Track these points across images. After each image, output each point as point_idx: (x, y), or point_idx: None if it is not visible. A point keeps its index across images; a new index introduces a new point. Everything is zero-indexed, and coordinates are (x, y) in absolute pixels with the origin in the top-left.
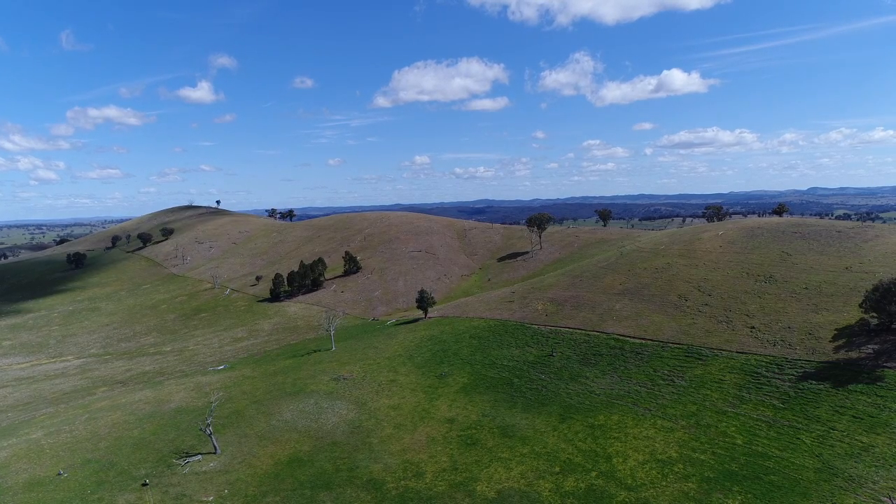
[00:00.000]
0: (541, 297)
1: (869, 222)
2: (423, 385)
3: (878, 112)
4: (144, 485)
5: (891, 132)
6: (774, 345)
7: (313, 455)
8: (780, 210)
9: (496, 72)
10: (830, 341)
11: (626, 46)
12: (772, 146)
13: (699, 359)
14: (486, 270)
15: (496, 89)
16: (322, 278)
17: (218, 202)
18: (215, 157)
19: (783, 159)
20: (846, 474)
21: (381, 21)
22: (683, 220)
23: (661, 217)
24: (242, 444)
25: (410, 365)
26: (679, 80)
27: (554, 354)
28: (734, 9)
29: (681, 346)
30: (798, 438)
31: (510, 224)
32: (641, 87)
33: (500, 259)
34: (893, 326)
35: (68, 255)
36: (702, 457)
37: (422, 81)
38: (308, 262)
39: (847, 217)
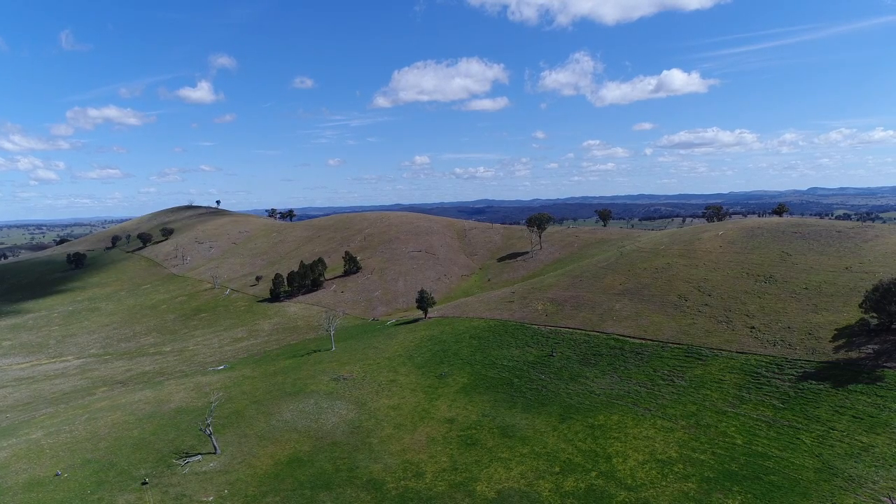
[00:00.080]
0: (541, 297)
1: (869, 222)
2: (423, 385)
3: (878, 112)
4: (144, 483)
5: (891, 132)
6: (774, 345)
7: (313, 455)
8: (780, 210)
9: (496, 72)
10: (830, 341)
11: (626, 46)
12: (772, 146)
13: (699, 359)
14: (486, 270)
15: (496, 89)
16: (322, 278)
17: (218, 202)
18: (215, 157)
19: (783, 159)
20: (846, 474)
21: (381, 21)
22: (683, 221)
23: (661, 217)
24: (242, 445)
25: (410, 365)
26: (679, 80)
27: (554, 354)
28: (734, 9)
29: (681, 346)
30: (798, 438)
31: (510, 224)
32: (641, 88)
33: (500, 259)
34: (893, 326)
35: (68, 256)
36: (702, 457)
37: (422, 81)
38: (308, 263)
39: (847, 217)
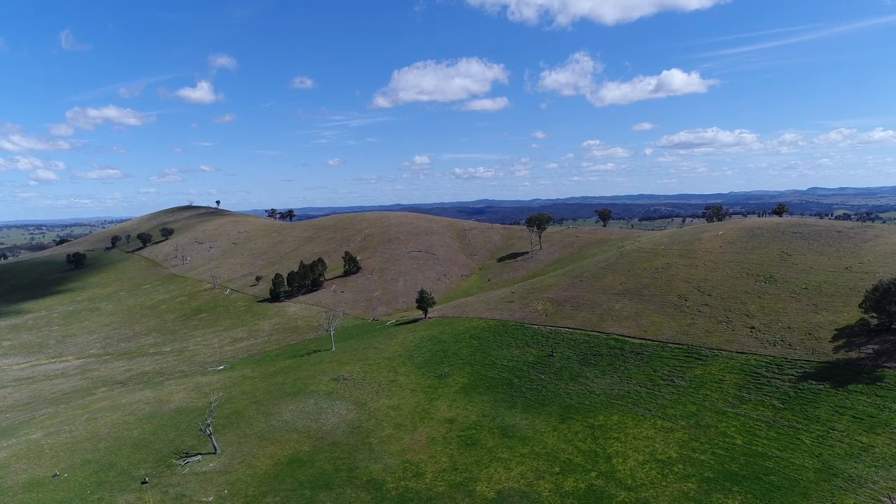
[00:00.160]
0: (541, 298)
1: (869, 222)
2: (423, 385)
3: (878, 112)
4: (144, 483)
5: (890, 132)
6: (774, 345)
7: (313, 455)
8: (779, 210)
9: (496, 72)
10: (830, 341)
11: (626, 47)
12: (771, 146)
13: (699, 359)
14: (486, 270)
15: (496, 89)
16: (322, 278)
17: (218, 202)
18: (215, 157)
19: (783, 159)
20: (846, 474)
21: (380, 21)
22: (683, 221)
23: (660, 217)
24: (242, 445)
25: (410, 365)
26: (679, 80)
27: (554, 354)
28: (734, 9)
29: (681, 346)
30: (798, 438)
31: (510, 224)
32: (641, 88)
33: (500, 259)
34: (893, 326)
35: (68, 256)
36: (702, 457)
37: (421, 82)
38: (308, 263)
39: (847, 217)
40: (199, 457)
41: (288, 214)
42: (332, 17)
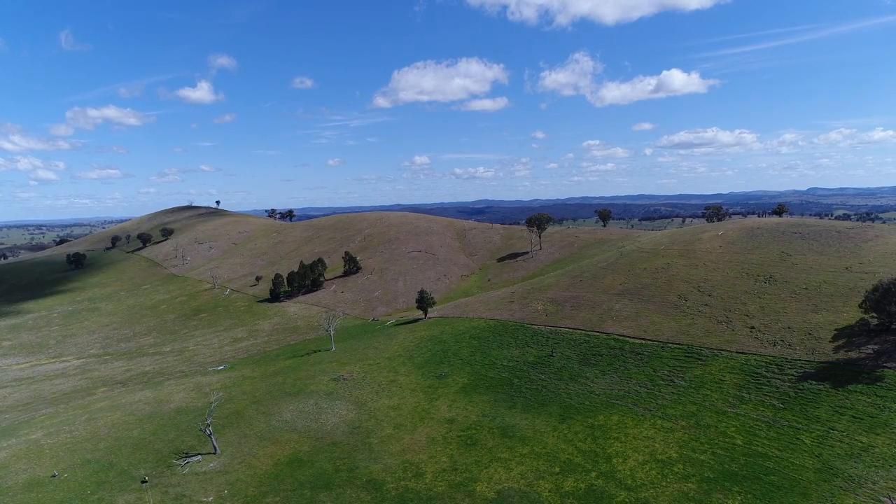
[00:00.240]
0: (541, 298)
1: (869, 222)
2: (423, 385)
3: (878, 112)
4: (144, 483)
5: (890, 132)
6: (774, 345)
7: (313, 455)
8: (779, 210)
9: (496, 72)
10: (830, 341)
11: (626, 47)
12: (771, 146)
13: (699, 359)
14: (486, 270)
15: (496, 89)
16: (322, 278)
17: (217, 202)
18: (215, 157)
19: (783, 159)
20: (846, 474)
21: (380, 21)
22: (683, 221)
23: (660, 217)
24: (242, 445)
25: (410, 365)
26: (679, 80)
27: (554, 354)
28: (734, 9)
29: (681, 347)
30: (798, 438)
31: (510, 224)
32: (641, 88)
33: (500, 259)
34: (893, 326)
35: (68, 256)
36: (702, 457)
37: (421, 82)
38: (308, 263)
39: (847, 217)
40: (199, 457)
41: (288, 214)
42: (332, 17)
